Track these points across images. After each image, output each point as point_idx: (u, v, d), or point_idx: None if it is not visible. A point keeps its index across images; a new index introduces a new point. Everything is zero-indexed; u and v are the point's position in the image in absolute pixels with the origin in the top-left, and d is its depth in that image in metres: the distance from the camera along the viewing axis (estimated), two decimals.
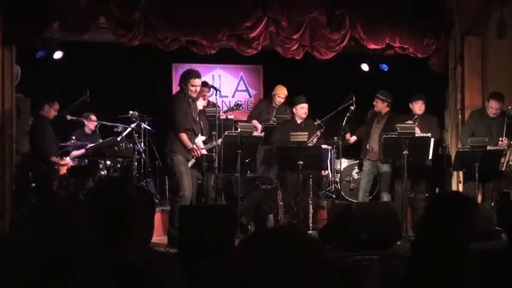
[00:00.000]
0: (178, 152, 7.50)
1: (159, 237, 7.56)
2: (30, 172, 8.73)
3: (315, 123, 8.95)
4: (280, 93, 9.53)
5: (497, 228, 7.54)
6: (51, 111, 9.04)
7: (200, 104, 8.21)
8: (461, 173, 9.01)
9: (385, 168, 8.67)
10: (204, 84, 9.75)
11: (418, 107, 8.83)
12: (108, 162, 9.41)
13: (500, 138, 8.32)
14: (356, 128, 9.43)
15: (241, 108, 11.14)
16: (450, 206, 2.80)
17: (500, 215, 7.81)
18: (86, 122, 9.81)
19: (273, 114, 9.52)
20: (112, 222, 2.05)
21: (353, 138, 9.31)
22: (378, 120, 8.90)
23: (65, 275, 1.24)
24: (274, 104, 9.60)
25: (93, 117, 9.87)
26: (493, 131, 8.45)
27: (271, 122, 9.35)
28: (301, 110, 8.78)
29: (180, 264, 2.25)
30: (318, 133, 8.69)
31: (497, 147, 8.29)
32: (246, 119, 10.05)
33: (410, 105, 8.91)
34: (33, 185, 8.65)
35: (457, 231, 2.69)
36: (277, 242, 1.26)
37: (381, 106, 8.82)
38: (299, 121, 8.82)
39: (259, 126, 9.17)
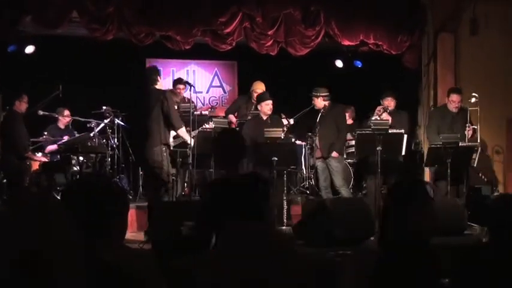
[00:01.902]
0: (167, 145, 7.46)
1: (133, 233, 7.51)
2: (1, 168, 8.62)
3: (282, 119, 8.93)
4: (258, 88, 9.49)
5: (469, 223, 7.64)
6: (22, 105, 8.90)
7: None
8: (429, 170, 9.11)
9: (333, 163, 8.60)
10: (179, 80, 9.72)
11: (388, 104, 8.87)
12: (81, 158, 9.31)
13: (467, 124, 8.43)
14: None
15: (214, 111, 11.01)
16: (405, 191, 2.82)
17: (472, 211, 7.90)
18: (59, 118, 9.69)
19: (251, 110, 9.49)
20: (91, 221, 2.02)
21: None
22: (318, 116, 8.85)
23: (38, 274, 1.23)
24: (253, 100, 9.57)
25: (67, 113, 9.75)
26: (455, 127, 8.55)
27: (248, 118, 9.32)
28: (266, 106, 8.71)
29: (154, 261, 2.24)
30: (284, 128, 8.60)
31: (470, 144, 8.39)
32: (221, 114, 10.02)
33: (381, 101, 8.94)
34: (4, 180, 8.54)
35: (414, 215, 2.71)
36: (252, 239, 1.26)
37: (318, 103, 8.72)
38: (265, 117, 8.77)
39: (235, 121, 9.15)
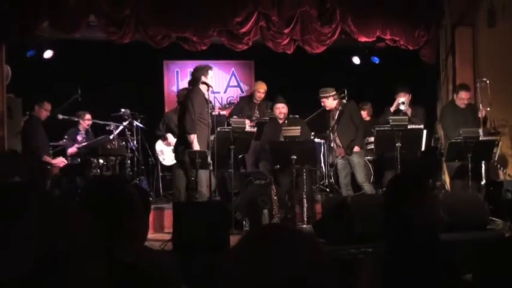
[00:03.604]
0: (200, 147, 7.50)
1: (152, 234, 7.55)
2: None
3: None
4: (260, 88, 9.52)
5: (491, 218, 7.57)
6: (42, 112, 8.98)
7: None
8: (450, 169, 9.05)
9: (355, 158, 8.58)
10: None
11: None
12: (101, 161, 9.37)
13: (481, 109, 8.56)
14: None
15: (230, 106, 11.05)
16: (402, 187, 2.81)
17: (493, 205, 7.84)
18: (80, 121, 9.75)
19: (255, 110, 9.50)
20: (109, 222, 2.04)
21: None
22: (332, 116, 8.80)
23: (59, 275, 1.24)
24: (255, 100, 9.58)
25: (88, 116, 9.81)
26: (469, 121, 8.52)
27: (253, 118, 9.32)
28: (276, 110, 8.71)
29: (174, 262, 2.25)
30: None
31: (490, 138, 8.33)
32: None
33: (395, 97, 8.90)
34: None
35: (413, 210, 2.69)
36: (276, 239, 1.26)
37: (328, 103, 8.68)
38: (280, 121, 8.75)
39: (248, 122, 9.16)
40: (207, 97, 7.66)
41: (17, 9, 7.85)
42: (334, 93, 8.64)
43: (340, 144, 8.63)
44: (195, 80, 7.67)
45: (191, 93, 7.67)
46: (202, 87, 7.61)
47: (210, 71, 7.71)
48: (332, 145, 8.85)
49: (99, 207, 2.07)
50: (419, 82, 9.63)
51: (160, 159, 9.47)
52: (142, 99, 10.59)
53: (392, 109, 8.72)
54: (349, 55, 10.61)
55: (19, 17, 7.90)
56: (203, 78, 7.59)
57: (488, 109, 8.71)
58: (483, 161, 8.39)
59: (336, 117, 8.67)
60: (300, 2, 8.82)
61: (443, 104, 9.72)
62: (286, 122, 8.72)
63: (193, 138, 7.43)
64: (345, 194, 8.57)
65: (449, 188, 9.24)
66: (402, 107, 8.66)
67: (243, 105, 9.71)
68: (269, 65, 10.70)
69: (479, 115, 8.59)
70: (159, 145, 9.32)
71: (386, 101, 9.00)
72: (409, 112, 8.64)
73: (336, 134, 8.67)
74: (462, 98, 8.58)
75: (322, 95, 8.61)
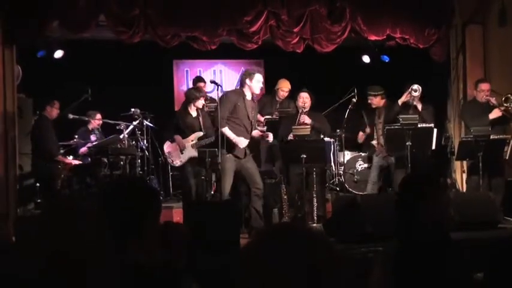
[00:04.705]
0: (227, 150, 7.54)
1: None
2: (33, 172, 8.75)
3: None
4: (284, 86, 9.46)
5: (505, 218, 7.55)
6: (53, 111, 9.03)
7: (200, 103, 8.43)
8: (465, 163, 9.03)
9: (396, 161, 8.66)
10: (198, 79, 9.83)
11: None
12: (111, 160, 9.39)
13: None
14: (357, 121, 9.46)
15: None
16: (417, 181, 2.81)
17: (507, 204, 7.81)
18: (90, 121, 9.79)
19: (276, 107, 9.47)
20: (123, 221, 2.04)
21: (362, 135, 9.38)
22: (378, 115, 8.88)
23: (72, 274, 1.24)
24: (277, 98, 9.55)
25: (99, 116, 9.86)
26: (486, 118, 8.49)
27: (274, 115, 9.30)
28: (299, 99, 8.62)
29: (184, 261, 2.25)
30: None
31: (501, 136, 8.29)
32: None
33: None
34: (37, 184, 8.65)
35: (425, 210, 2.69)
36: (286, 238, 1.26)
37: (376, 101, 8.79)
38: (300, 110, 8.72)
39: (262, 119, 9.15)
40: (248, 100, 7.80)
41: (27, 9, 7.89)
42: (383, 92, 8.74)
43: (382, 144, 8.69)
44: (241, 83, 7.95)
45: (224, 93, 8.00)
46: (245, 90, 7.80)
47: (256, 75, 7.87)
48: (373, 142, 8.96)
49: (120, 207, 2.08)
50: (430, 81, 9.58)
51: (169, 161, 9.31)
52: (152, 98, 10.60)
53: (401, 101, 8.55)
54: (359, 54, 10.59)
55: (29, 18, 7.93)
56: (247, 82, 7.76)
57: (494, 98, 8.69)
58: (495, 160, 8.36)
59: (382, 117, 8.74)
60: (310, 0, 8.80)
61: (454, 102, 9.69)
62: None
63: (225, 130, 7.61)
64: (369, 191, 8.65)
65: (460, 186, 9.22)
66: (415, 94, 8.49)
67: (266, 102, 9.67)
68: (279, 64, 10.68)
69: (491, 104, 8.57)
70: (167, 147, 9.22)
71: (396, 99, 8.97)
72: (419, 106, 8.56)
73: (380, 134, 8.75)
74: (483, 90, 8.60)
75: (371, 93, 8.71)
